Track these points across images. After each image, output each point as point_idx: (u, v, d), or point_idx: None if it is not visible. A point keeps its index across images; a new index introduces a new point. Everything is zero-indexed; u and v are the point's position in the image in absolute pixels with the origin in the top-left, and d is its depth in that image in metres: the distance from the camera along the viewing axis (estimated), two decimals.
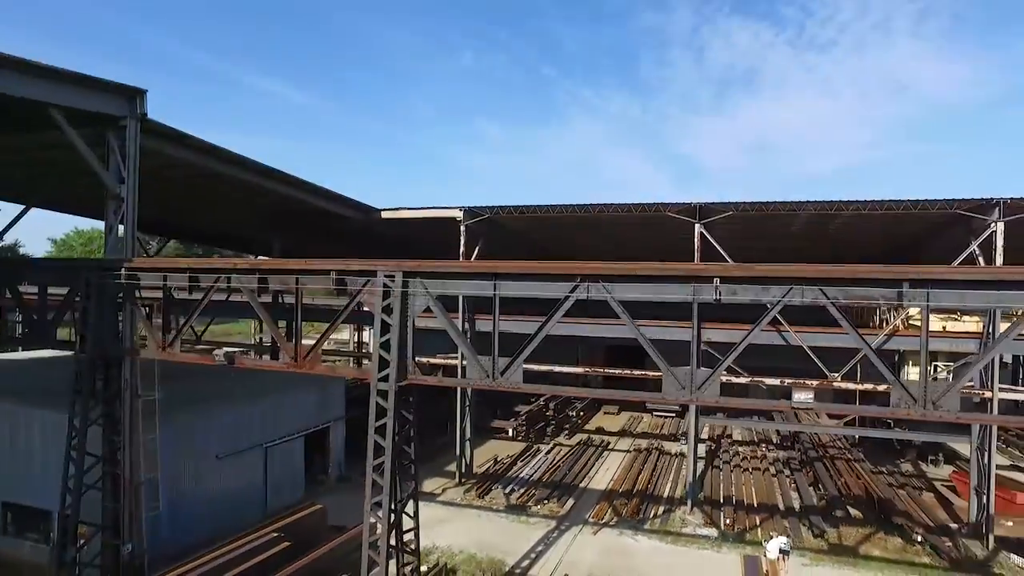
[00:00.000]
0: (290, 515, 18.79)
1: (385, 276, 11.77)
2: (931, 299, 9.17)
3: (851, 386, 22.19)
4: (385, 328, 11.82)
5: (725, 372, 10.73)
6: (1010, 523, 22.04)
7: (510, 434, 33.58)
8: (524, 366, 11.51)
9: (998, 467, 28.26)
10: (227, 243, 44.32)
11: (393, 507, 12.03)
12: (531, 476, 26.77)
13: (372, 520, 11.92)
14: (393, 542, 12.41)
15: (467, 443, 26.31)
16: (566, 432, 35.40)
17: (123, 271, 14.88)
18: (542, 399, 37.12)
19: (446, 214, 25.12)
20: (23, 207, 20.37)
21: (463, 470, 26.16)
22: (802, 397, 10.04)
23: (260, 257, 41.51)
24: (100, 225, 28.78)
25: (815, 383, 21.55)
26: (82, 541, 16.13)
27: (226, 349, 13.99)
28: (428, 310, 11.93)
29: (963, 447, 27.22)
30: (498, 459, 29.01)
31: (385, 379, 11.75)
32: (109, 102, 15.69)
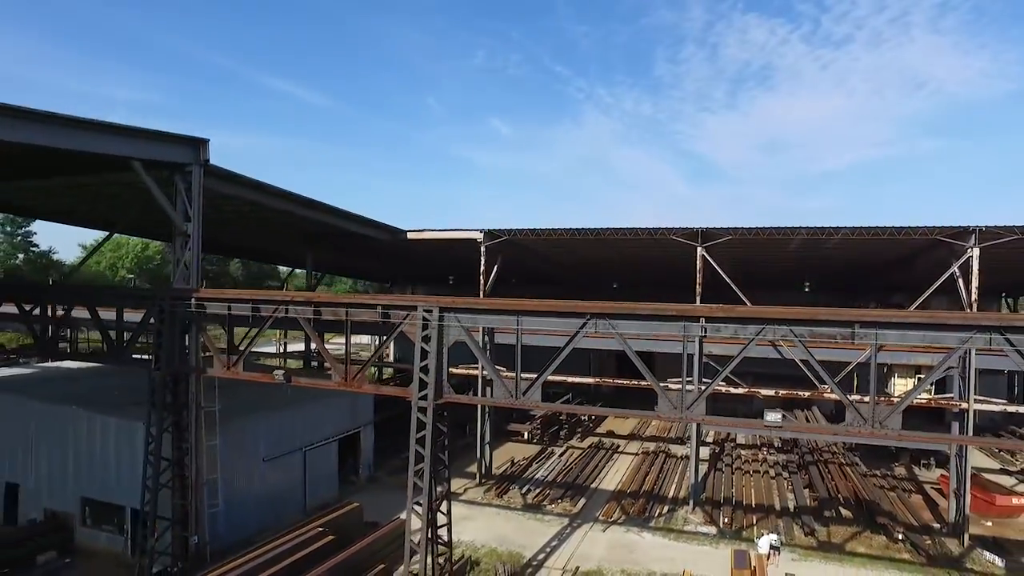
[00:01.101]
0: (332, 512, 21.07)
1: (424, 310, 13.95)
2: (878, 338, 11.15)
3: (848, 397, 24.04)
4: (424, 354, 14.00)
5: (724, 383, 12.75)
6: (989, 523, 23.94)
7: (526, 437, 35.73)
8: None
9: (986, 471, 30.13)
10: (265, 257, 46.97)
11: (430, 506, 14.20)
12: (546, 477, 28.90)
13: (413, 517, 14.09)
14: (429, 535, 14.59)
15: (487, 446, 28.48)
16: (578, 435, 37.46)
17: (193, 300, 17.19)
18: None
19: (467, 236, 27.29)
20: (107, 233, 23.01)
21: (483, 471, 28.35)
22: (772, 417, 11.89)
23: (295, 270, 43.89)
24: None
25: (807, 394, 23.54)
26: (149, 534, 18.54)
27: (284, 369, 16.22)
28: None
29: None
30: (515, 461, 31.19)
31: (424, 398, 13.93)
32: (178, 151, 18.04)
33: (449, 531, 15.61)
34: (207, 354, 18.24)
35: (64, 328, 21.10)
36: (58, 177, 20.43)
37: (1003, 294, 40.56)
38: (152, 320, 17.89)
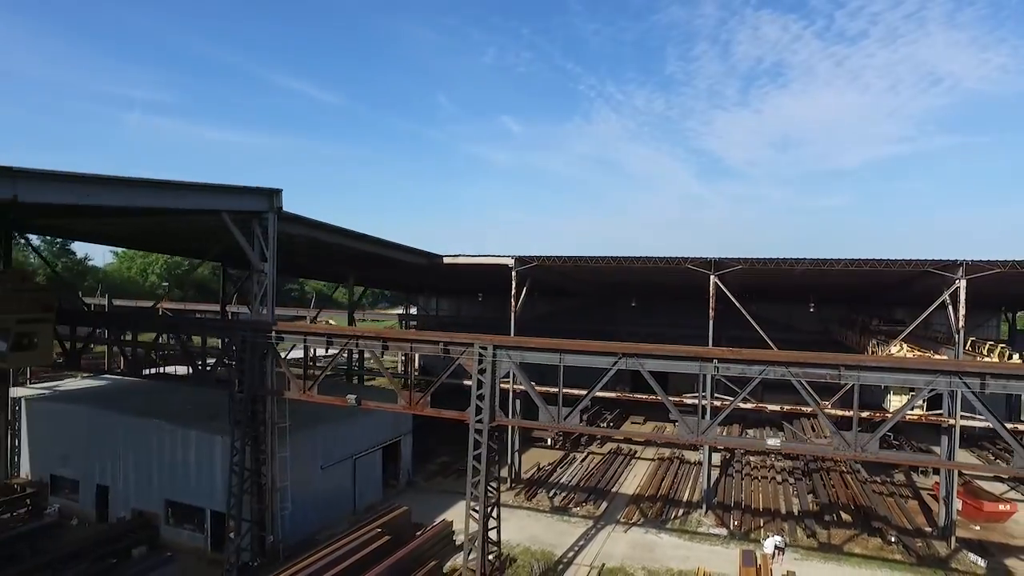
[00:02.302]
0: (385, 514, 23.77)
1: (480, 348, 16.59)
2: (860, 380, 13.65)
3: (846, 412, 26.48)
4: (479, 384, 16.64)
5: (733, 398, 15.24)
6: (977, 527, 26.27)
7: (548, 443, 38.38)
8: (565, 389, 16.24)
9: (980, 479, 32.35)
10: (309, 275, 50.10)
11: (485, 512, 16.85)
12: (570, 482, 31.50)
13: (470, 521, 16.75)
14: (484, 537, 17.23)
15: (516, 453, 31.12)
16: (598, 441, 40.05)
17: (273, 333, 19.94)
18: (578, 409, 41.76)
19: (499, 261, 29.89)
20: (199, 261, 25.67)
21: (513, 476, 31.00)
22: (772, 442, 14.28)
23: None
24: None
25: (809, 409, 25.95)
26: (232, 535, 21.36)
27: (355, 395, 18.93)
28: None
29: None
30: (541, 466, 33.84)
31: (480, 421, 16.57)
32: (256, 201, 20.80)
33: (498, 533, 18.24)
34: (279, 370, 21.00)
35: (152, 352, 23.91)
36: (148, 218, 23.20)
37: (1003, 308, 42.61)
38: (233, 347, 20.68)
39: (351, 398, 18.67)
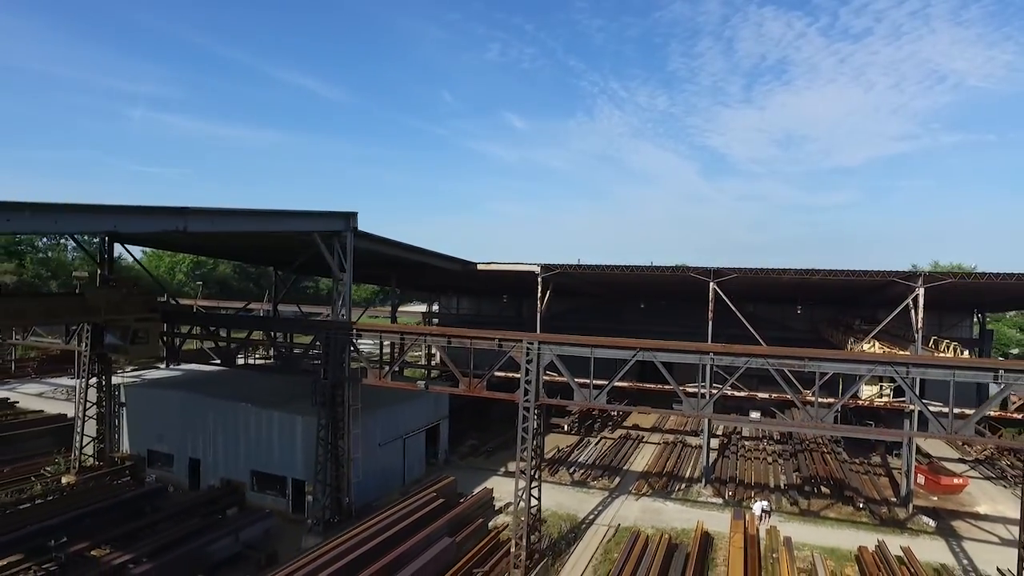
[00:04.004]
0: (437, 483, 28.42)
1: (527, 343, 21.17)
2: (821, 368, 18.22)
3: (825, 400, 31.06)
4: (527, 372, 21.25)
5: (730, 388, 19.76)
6: (935, 498, 30.86)
7: (565, 429, 43.01)
8: (583, 380, 20.84)
9: (947, 460, 36.96)
10: (358, 279, 55.17)
11: (531, 474, 21.46)
12: (587, 461, 36.13)
13: (520, 481, 21.36)
14: (531, 494, 21.81)
15: (540, 436, 35.68)
16: (609, 427, 44.69)
17: (354, 331, 24.53)
18: (605, 391, 46.44)
19: (527, 268, 34.47)
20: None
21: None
22: (754, 415, 18.73)
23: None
24: None
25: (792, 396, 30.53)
26: (310, 497, 26.02)
27: (424, 380, 23.50)
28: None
29: (921, 444, 36.10)
30: (559, 448, 38.46)
31: (528, 400, 21.19)
32: (338, 223, 25.37)
33: (539, 491, 22.81)
34: (356, 366, 25.60)
35: (244, 348, 28.53)
36: (244, 235, 27.77)
37: (975, 310, 47.05)
38: (319, 342, 25.29)
39: (421, 383, 23.26)
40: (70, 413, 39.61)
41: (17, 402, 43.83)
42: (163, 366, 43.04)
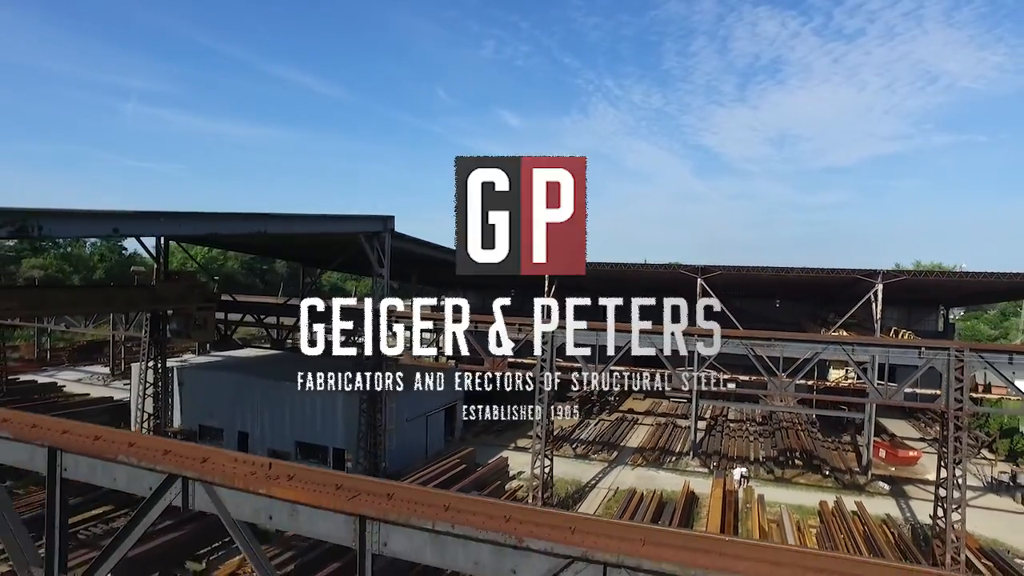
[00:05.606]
0: (458, 452, 32.55)
1: (543, 327, 25.28)
2: (785, 349, 22.42)
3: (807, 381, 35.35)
4: (544, 351, 25.36)
5: (713, 370, 24.00)
6: (893, 469, 35.25)
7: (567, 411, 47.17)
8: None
9: (908, 438, 41.37)
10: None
11: (546, 438, 25.59)
12: (587, 438, 40.33)
13: (537, 444, 25.50)
14: (545, 454, 25.94)
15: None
16: (607, 411, 48.92)
17: (393, 318, 28.51)
18: (609, 367, 50.66)
19: None
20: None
21: None
22: (731, 385, 22.78)
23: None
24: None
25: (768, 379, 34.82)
26: (349, 464, 30.09)
27: (453, 358, 27.57)
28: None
29: (889, 424, 40.57)
30: (563, 428, 42.64)
31: (543, 372, 25.33)
32: (377, 224, 29.34)
33: (551, 457, 26.94)
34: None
35: (290, 333, 32.53)
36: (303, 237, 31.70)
37: (940, 306, 51.60)
38: (359, 327, 29.30)
39: (451, 361, 27.28)
40: (114, 396, 43.67)
41: (64, 386, 47.63)
42: (193, 353, 46.98)
